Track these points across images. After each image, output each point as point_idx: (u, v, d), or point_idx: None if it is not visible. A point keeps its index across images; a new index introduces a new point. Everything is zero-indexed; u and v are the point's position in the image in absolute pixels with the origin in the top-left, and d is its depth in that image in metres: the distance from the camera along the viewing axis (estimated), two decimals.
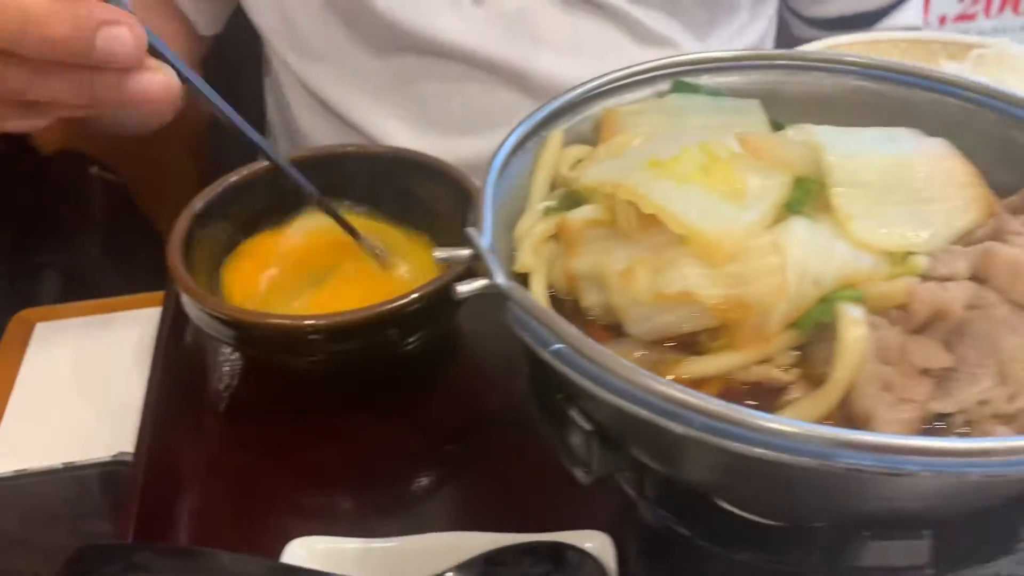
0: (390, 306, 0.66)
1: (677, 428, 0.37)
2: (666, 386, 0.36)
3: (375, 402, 0.73)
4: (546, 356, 0.41)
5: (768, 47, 1.12)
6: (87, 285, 1.07)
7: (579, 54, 0.97)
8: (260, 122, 1.21)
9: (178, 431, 0.68)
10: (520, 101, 0.98)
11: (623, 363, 0.38)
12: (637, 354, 0.46)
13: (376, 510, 0.65)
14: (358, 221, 0.77)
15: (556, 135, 0.56)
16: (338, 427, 0.71)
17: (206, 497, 0.65)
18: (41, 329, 0.79)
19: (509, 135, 0.54)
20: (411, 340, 0.70)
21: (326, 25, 0.97)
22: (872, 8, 1.13)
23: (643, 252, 0.47)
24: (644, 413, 0.37)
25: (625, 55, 0.98)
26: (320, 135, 1.05)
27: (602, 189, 0.50)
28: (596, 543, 0.57)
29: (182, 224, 0.72)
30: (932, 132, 0.55)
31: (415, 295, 0.66)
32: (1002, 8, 2.18)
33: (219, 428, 0.70)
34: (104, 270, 1.11)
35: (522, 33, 0.95)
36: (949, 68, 0.81)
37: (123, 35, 0.50)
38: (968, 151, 0.54)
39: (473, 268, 0.46)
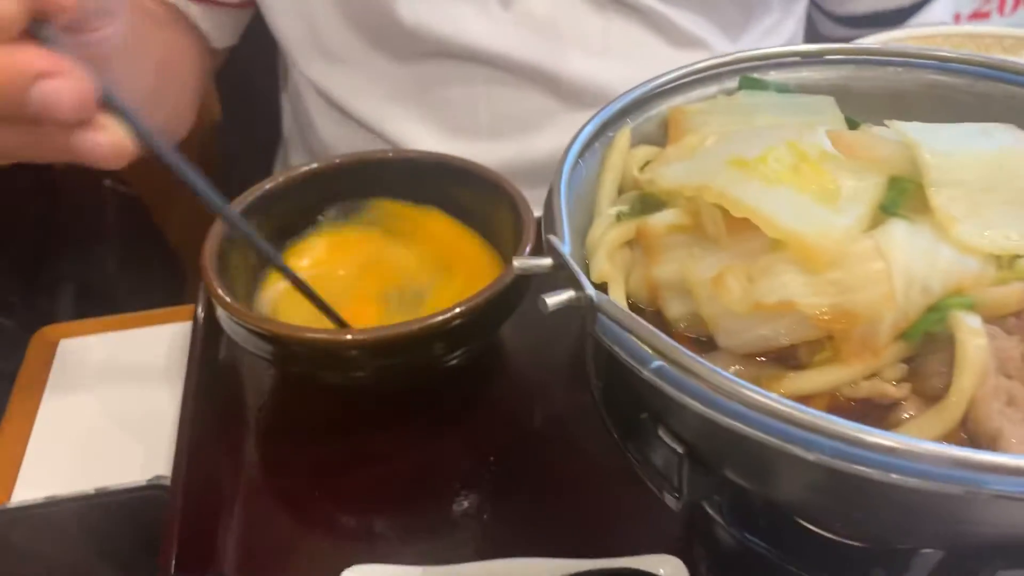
0: (435, 320, 0.62)
1: (806, 455, 0.33)
2: (793, 409, 0.33)
3: (418, 418, 0.69)
4: (646, 375, 0.37)
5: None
6: (104, 298, 1.04)
7: (610, 55, 0.94)
8: (275, 136, 1.18)
9: (216, 453, 0.65)
10: (550, 105, 0.95)
11: (740, 383, 0.34)
12: (731, 369, 0.43)
13: (427, 533, 0.61)
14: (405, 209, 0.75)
15: (624, 134, 0.53)
16: (382, 445, 0.67)
17: (249, 523, 0.61)
18: (65, 346, 0.76)
19: (577, 135, 0.51)
20: (457, 354, 0.67)
21: (349, 33, 0.94)
22: (902, 5, 1.10)
23: (733, 259, 0.44)
24: (767, 438, 0.34)
25: (657, 56, 0.96)
26: (343, 145, 1.02)
27: (684, 192, 0.46)
28: (670, 569, 0.53)
29: (215, 234, 0.68)
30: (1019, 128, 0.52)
31: (459, 309, 0.62)
32: (1016, 6, 2.16)
33: (258, 449, 0.66)
34: (120, 283, 1.08)
35: (551, 35, 0.92)
36: None
37: (60, 89, 0.45)
38: None
39: (553, 277, 0.42)
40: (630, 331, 0.38)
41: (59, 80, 0.45)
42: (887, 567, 0.48)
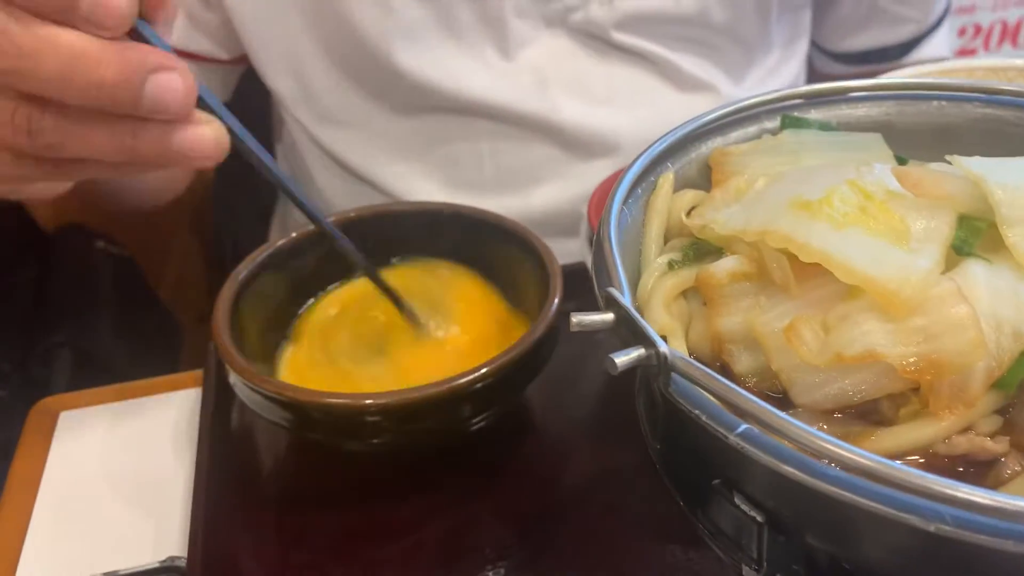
0: (461, 381, 0.58)
1: (924, 525, 0.30)
2: (908, 474, 0.30)
3: (445, 485, 0.65)
4: (732, 440, 0.34)
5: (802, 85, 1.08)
6: (100, 364, 1.00)
7: (614, 103, 0.92)
8: (271, 191, 1.15)
9: (233, 529, 0.60)
10: (554, 155, 0.93)
11: (842, 446, 0.31)
12: (816, 428, 0.39)
13: None
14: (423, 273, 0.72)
15: (668, 178, 0.50)
16: (408, 514, 0.63)
17: None
18: (66, 419, 0.71)
19: (621, 180, 0.48)
20: (481, 417, 0.63)
21: (348, 89, 0.92)
22: (899, 41, 1.10)
23: (804, 307, 0.41)
24: (879, 508, 0.31)
25: (662, 101, 0.94)
26: (342, 199, 0.99)
27: (744, 237, 0.43)
28: None
29: (226, 297, 0.65)
30: None
31: (485, 369, 0.59)
32: (1000, 42, 2.18)
33: (278, 521, 0.62)
34: (117, 348, 1.04)
35: (554, 85, 0.90)
36: None
37: (174, 83, 0.45)
38: None
39: (615, 334, 0.39)
40: (710, 391, 0.35)
41: (172, 74, 0.45)
42: None
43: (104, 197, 0.90)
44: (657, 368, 0.36)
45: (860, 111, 0.57)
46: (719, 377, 0.35)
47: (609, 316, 0.39)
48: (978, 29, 2.06)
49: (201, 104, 0.48)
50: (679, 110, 0.92)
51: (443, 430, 0.62)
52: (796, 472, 0.32)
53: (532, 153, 0.92)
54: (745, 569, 0.40)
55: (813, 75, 1.19)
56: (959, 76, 0.80)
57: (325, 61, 0.91)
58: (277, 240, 0.69)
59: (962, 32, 2.05)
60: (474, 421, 0.63)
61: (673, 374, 0.36)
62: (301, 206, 0.59)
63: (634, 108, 0.93)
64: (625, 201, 0.48)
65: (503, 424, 0.69)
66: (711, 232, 0.46)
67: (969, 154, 0.49)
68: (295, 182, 0.58)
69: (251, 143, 0.53)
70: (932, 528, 0.30)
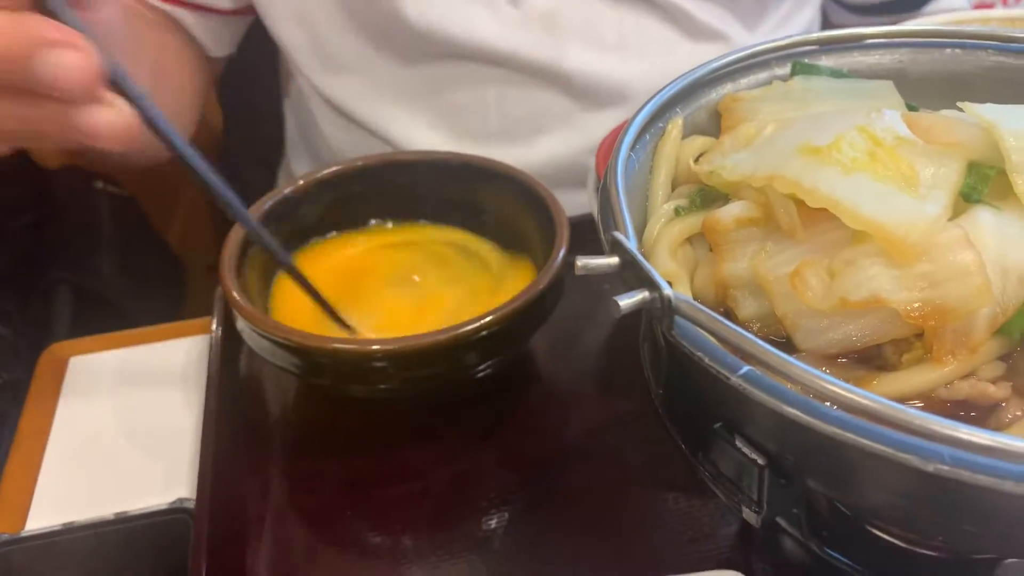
0: (465, 329, 0.59)
1: (923, 465, 0.30)
2: (902, 412, 0.30)
3: (451, 432, 0.66)
4: (735, 381, 0.34)
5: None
6: (102, 304, 1.01)
7: (624, 51, 0.91)
8: (278, 143, 1.15)
9: (241, 472, 0.61)
10: (562, 105, 0.92)
11: (840, 385, 0.31)
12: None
13: (465, 552, 0.58)
14: (421, 230, 0.71)
15: (676, 123, 0.50)
16: (413, 461, 0.64)
17: (278, 545, 0.58)
18: (76, 364, 0.72)
19: (628, 126, 0.47)
20: (489, 364, 0.63)
21: (354, 37, 0.91)
22: None
23: (810, 253, 0.41)
24: (879, 447, 0.31)
25: (673, 50, 0.93)
26: (351, 151, 0.98)
27: (752, 183, 0.43)
28: None
29: (233, 242, 0.65)
30: None
31: (490, 317, 0.59)
32: None
33: (285, 466, 0.63)
34: (118, 287, 1.04)
35: (562, 31, 0.89)
36: None
37: (68, 60, 0.43)
38: None
39: (619, 278, 0.39)
40: (713, 333, 0.35)
41: (69, 51, 0.43)
42: None
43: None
44: (661, 311, 0.36)
45: (872, 58, 0.56)
46: (723, 319, 0.35)
47: (614, 260, 0.38)
48: None
49: (116, 85, 0.46)
50: (690, 60, 0.90)
51: (448, 377, 0.63)
52: (798, 413, 0.32)
53: (539, 102, 0.91)
54: (745, 511, 0.40)
55: (829, 28, 1.17)
56: (974, 25, 0.78)
57: (331, 8, 0.90)
58: (284, 188, 0.69)
59: None
60: (479, 369, 0.63)
61: (677, 317, 0.36)
62: (220, 197, 0.56)
63: (644, 57, 0.92)
64: (633, 147, 0.48)
65: (509, 374, 0.69)
66: (718, 178, 0.45)
67: (982, 102, 0.49)
68: (216, 175, 0.55)
69: (166, 128, 0.50)
70: (931, 468, 0.30)
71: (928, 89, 0.55)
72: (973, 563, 0.45)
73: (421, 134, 0.94)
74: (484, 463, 0.64)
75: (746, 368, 0.34)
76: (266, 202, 0.69)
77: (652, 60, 0.92)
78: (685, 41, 0.93)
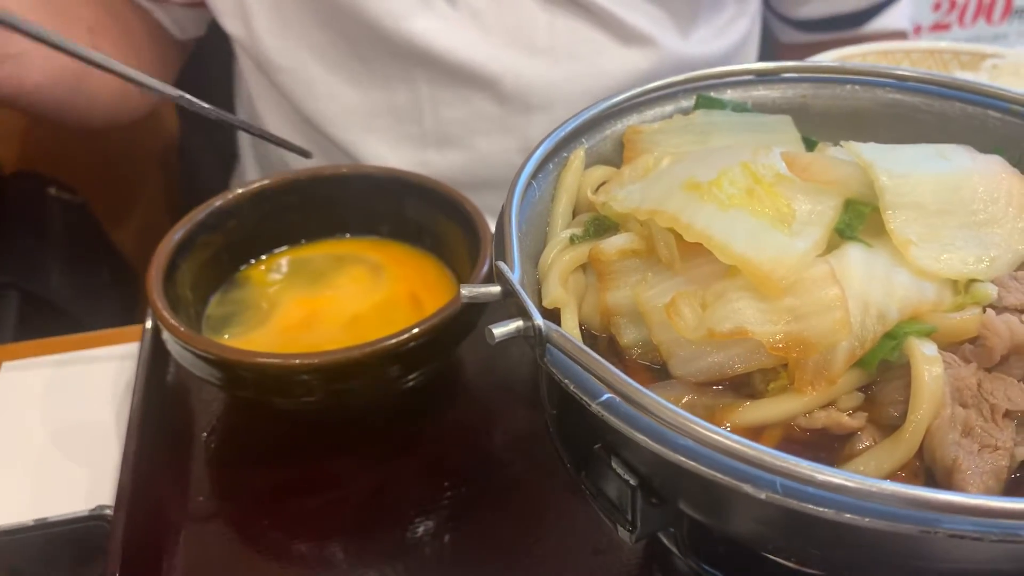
0: (388, 343, 0.60)
1: (756, 493, 0.32)
2: (742, 445, 0.32)
3: (374, 443, 0.67)
4: (595, 408, 0.36)
5: (753, 47, 1.09)
6: (49, 308, 1.01)
7: (555, 54, 0.92)
8: (233, 145, 1.16)
9: (162, 480, 0.62)
10: (493, 109, 0.93)
11: (687, 418, 0.33)
12: (685, 398, 0.42)
13: (380, 561, 0.59)
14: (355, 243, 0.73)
15: (578, 154, 0.52)
16: (335, 470, 0.65)
17: (194, 553, 0.59)
18: (8, 369, 0.73)
19: (530, 155, 0.49)
20: (413, 377, 0.65)
21: (290, 33, 0.92)
22: (857, 9, 1.10)
23: (687, 284, 0.43)
24: (718, 476, 0.33)
25: (603, 54, 0.94)
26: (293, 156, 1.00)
27: (637, 215, 0.45)
28: None
29: (162, 254, 0.66)
30: (975, 147, 0.51)
31: (416, 330, 0.61)
32: (976, 17, 2.18)
33: (206, 475, 0.64)
34: (68, 293, 1.05)
35: (496, 33, 0.90)
36: None
37: None
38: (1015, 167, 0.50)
39: (503, 304, 0.41)
40: (579, 363, 0.37)
41: None
42: None
43: (49, 111, 0.90)
44: (535, 339, 0.38)
45: (776, 92, 0.58)
46: (587, 349, 0.37)
47: (497, 289, 0.40)
48: (953, 3, 2.07)
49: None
50: (617, 66, 0.93)
51: (373, 390, 0.64)
52: (648, 440, 0.34)
53: (471, 104, 0.92)
54: (620, 530, 0.42)
55: (775, 45, 1.20)
56: (896, 57, 0.81)
57: (269, 2, 0.91)
58: (215, 200, 0.71)
59: (937, 7, 2.05)
60: (404, 381, 0.65)
61: (548, 345, 0.38)
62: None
63: (574, 60, 0.93)
64: (534, 176, 0.50)
65: (434, 386, 0.71)
66: (609, 209, 0.47)
67: (880, 138, 0.51)
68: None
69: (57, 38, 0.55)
70: (763, 496, 0.32)
71: (829, 124, 0.58)
72: None
73: (358, 136, 0.95)
74: (404, 474, 0.65)
75: (606, 396, 0.36)
76: (198, 214, 0.70)
77: (581, 63, 0.93)
78: (615, 46, 0.94)
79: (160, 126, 1.38)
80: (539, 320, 0.38)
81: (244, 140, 1.10)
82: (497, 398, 0.72)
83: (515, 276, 0.41)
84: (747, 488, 0.32)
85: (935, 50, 0.81)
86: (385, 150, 0.94)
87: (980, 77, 0.79)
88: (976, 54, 0.80)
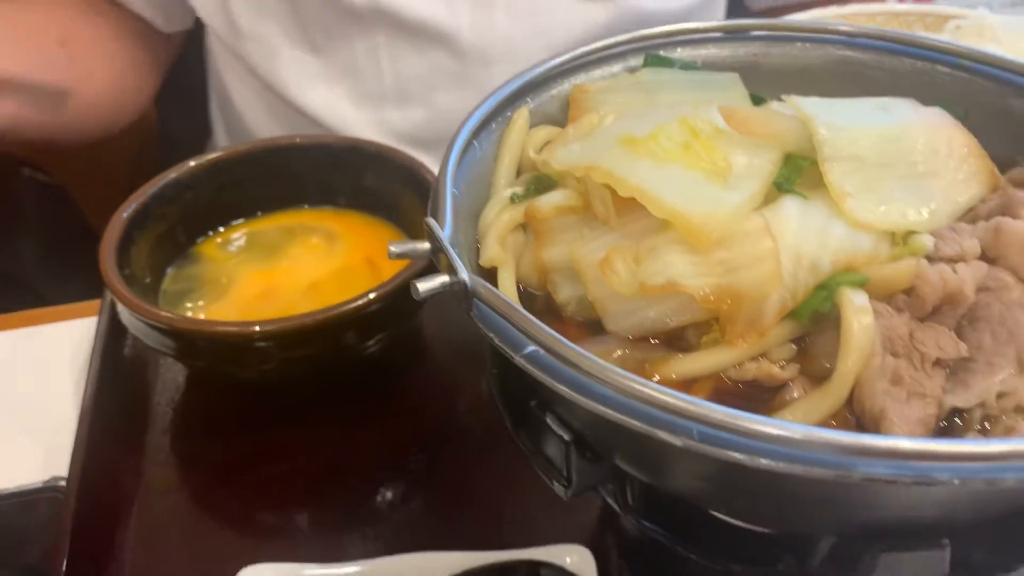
0: (346, 308, 0.60)
1: (673, 440, 0.32)
2: (658, 392, 0.32)
3: (334, 411, 0.67)
4: (518, 360, 0.36)
5: (719, 7, 1.07)
6: (20, 286, 1.01)
7: (513, 8, 0.90)
8: (205, 122, 1.15)
9: (117, 452, 0.62)
10: (452, 63, 0.92)
11: (606, 367, 0.33)
12: (618, 353, 0.42)
13: (338, 529, 0.60)
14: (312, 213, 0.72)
15: (522, 113, 0.51)
16: (294, 440, 0.65)
17: (150, 523, 0.59)
18: None
19: (471, 114, 0.49)
20: (371, 343, 0.65)
21: None
22: None
23: (621, 240, 0.43)
24: (635, 424, 0.33)
25: (559, 7, 0.92)
26: (259, 123, 0.99)
27: (574, 172, 0.45)
28: (576, 558, 0.52)
29: (116, 226, 0.66)
30: (923, 103, 0.51)
31: (372, 295, 0.61)
32: None
33: (163, 447, 0.64)
34: (40, 271, 1.04)
35: None
36: None
37: None
38: (961, 121, 0.50)
39: (435, 262, 0.41)
40: (504, 316, 0.37)
41: None
42: (795, 553, 0.47)
43: (31, 132, 0.90)
44: (461, 295, 0.38)
45: (726, 51, 0.58)
46: (512, 303, 0.36)
47: (425, 245, 0.40)
48: None
49: None
50: (578, 19, 0.92)
51: (331, 356, 0.64)
52: (567, 391, 0.34)
53: (429, 60, 0.91)
54: (556, 486, 0.42)
55: (745, 12, 1.19)
56: (860, 20, 0.80)
57: None
58: (170, 172, 0.70)
59: None
60: (362, 348, 0.64)
61: (475, 300, 0.38)
62: None
63: (532, 15, 0.91)
64: (476, 135, 0.49)
65: (396, 355, 0.71)
66: (548, 167, 0.47)
67: (830, 95, 0.51)
68: None
69: None
70: (681, 443, 0.32)
71: (779, 82, 0.57)
72: (792, 539, 0.47)
73: (322, 98, 0.94)
74: (362, 443, 0.65)
75: (530, 348, 0.36)
76: (152, 186, 0.69)
77: (540, 17, 0.92)
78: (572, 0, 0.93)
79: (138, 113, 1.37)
80: (464, 275, 0.37)
81: (216, 114, 1.09)
82: (458, 367, 0.72)
83: (446, 232, 0.40)
84: (665, 435, 0.32)
85: (899, 12, 0.80)
86: (347, 109, 0.93)
87: (943, 38, 0.78)
88: (939, 16, 0.80)
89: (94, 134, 0.97)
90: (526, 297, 0.46)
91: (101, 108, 0.94)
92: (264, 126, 0.98)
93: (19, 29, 0.86)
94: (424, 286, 0.38)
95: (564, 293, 0.44)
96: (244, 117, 0.99)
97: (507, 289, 0.44)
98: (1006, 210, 0.44)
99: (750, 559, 0.47)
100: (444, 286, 0.38)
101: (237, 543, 0.59)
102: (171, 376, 0.69)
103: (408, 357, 0.72)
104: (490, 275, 0.46)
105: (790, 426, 0.31)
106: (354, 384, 0.68)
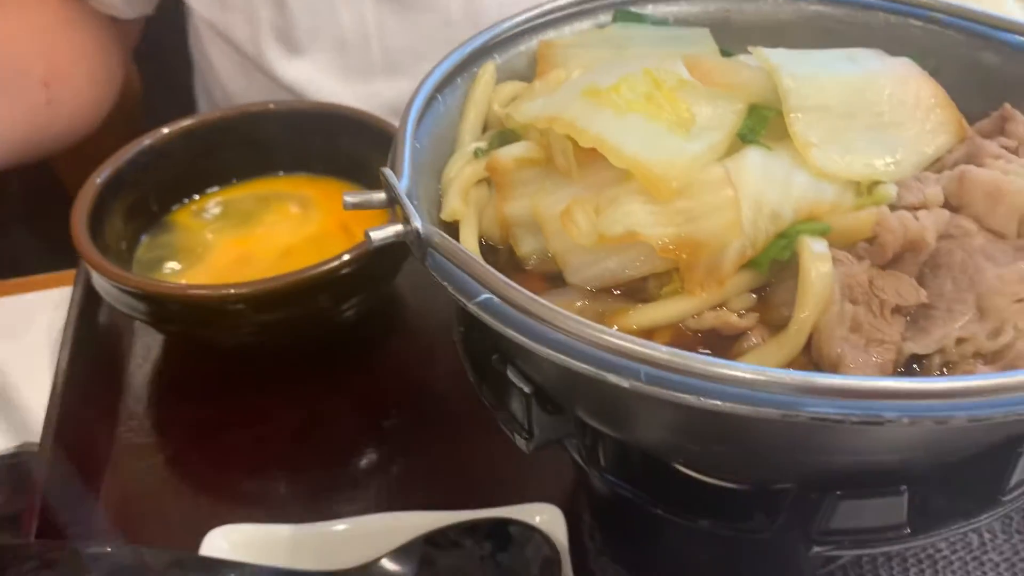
0: (319, 270, 0.60)
1: (621, 382, 0.32)
2: (603, 333, 0.32)
3: (308, 377, 0.67)
4: (472, 308, 0.35)
5: None
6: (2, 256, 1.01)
7: None
8: (190, 98, 1.15)
9: (90, 417, 0.62)
10: (440, 31, 0.91)
11: (555, 311, 0.33)
12: (579, 304, 0.41)
13: (309, 491, 0.60)
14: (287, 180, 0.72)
15: (488, 68, 0.51)
16: (266, 406, 0.65)
17: (122, 487, 0.59)
18: None
19: (434, 69, 0.48)
20: (346, 307, 0.65)
21: None
22: None
23: (583, 191, 0.42)
24: (582, 366, 0.32)
25: None
26: (246, 95, 0.98)
27: (536, 124, 0.44)
28: (546, 516, 0.52)
29: (89, 191, 0.66)
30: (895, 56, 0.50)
31: (346, 257, 0.60)
32: None
33: (139, 412, 0.64)
34: (20, 240, 1.04)
35: None
36: None
37: None
38: (933, 75, 0.49)
39: (392, 214, 0.40)
40: (458, 264, 0.36)
41: None
42: (764, 509, 0.47)
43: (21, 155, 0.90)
44: (415, 243, 0.37)
45: (697, 7, 0.57)
46: (466, 251, 0.36)
47: (381, 195, 0.40)
48: None
49: None
50: None
51: (305, 320, 0.64)
52: (518, 336, 0.34)
53: (418, 29, 0.90)
54: (517, 439, 0.42)
55: None
56: None
57: None
58: (144, 138, 0.70)
59: None
60: (337, 312, 0.64)
61: (430, 249, 0.37)
62: None
63: None
64: (440, 90, 0.49)
65: (373, 320, 0.70)
66: (512, 121, 0.47)
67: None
68: None
69: None
70: (628, 384, 0.32)
71: (751, 38, 0.56)
72: (763, 494, 0.47)
73: (308, 72, 0.93)
74: (337, 408, 0.65)
75: (484, 295, 0.35)
76: (126, 152, 0.69)
77: None
78: None
79: (124, 81, 1.36)
80: (417, 223, 0.37)
81: (199, 85, 1.09)
82: (436, 332, 0.72)
83: (403, 183, 0.40)
84: (613, 378, 0.32)
85: None
86: (335, 84, 0.92)
87: None
88: None
89: (77, 138, 0.96)
90: (489, 251, 0.46)
91: (81, 118, 0.94)
92: (246, 92, 0.97)
93: (5, 70, 0.84)
94: (377, 235, 0.37)
95: (526, 246, 0.44)
96: (232, 97, 0.99)
97: (468, 243, 0.44)
98: (972, 159, 0.43)
99: (718, 515, 0.47)
100: (398, 235, 0.37)
101: (211, 506, 0.59)
102: (147, 343, 0.69)
103: (386, 326, 0.72)
104: (452, 229, 0.45)
105: (738, 365, 0.30)
106: (332, 350, 0.68)
